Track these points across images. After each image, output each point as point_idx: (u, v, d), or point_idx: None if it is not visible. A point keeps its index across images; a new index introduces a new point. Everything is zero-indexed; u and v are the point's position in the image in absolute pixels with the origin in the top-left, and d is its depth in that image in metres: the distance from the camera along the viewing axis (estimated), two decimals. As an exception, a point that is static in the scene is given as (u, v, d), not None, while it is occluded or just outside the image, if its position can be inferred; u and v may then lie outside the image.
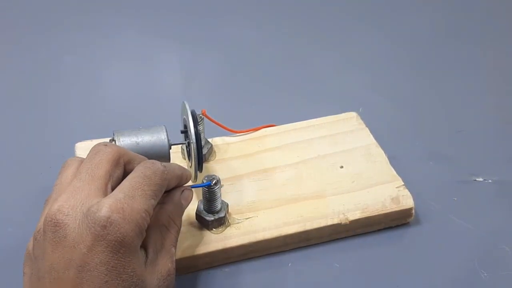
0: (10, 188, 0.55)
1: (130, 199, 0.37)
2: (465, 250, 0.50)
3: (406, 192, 0.52)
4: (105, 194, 0.38)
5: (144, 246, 0.39)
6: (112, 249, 0.35)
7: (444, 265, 0.48)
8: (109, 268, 0.35)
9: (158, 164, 0.41)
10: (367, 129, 0.58)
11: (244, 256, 0.48)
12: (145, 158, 0.44)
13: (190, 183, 0.52)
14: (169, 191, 0.44)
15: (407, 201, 0.51)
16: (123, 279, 0.36)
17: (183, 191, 0.45)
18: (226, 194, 0.51)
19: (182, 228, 0.48)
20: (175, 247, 0.42)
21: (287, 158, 0.55)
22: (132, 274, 0.36)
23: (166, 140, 0.47)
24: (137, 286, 0.36)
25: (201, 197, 0.48)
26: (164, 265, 0.40)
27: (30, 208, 0.47)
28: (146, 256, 0.39)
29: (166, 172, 0.41)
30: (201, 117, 0.52)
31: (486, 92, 0.70)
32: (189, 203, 0.45)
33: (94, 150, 0.41)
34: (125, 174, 0.41)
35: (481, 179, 0.57)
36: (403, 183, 0.52)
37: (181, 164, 0.54)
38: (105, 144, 0.41)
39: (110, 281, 0.35)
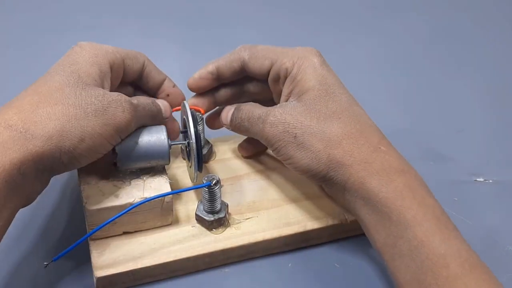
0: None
1: None
2: (465, 250, 0.49)
3: (406, 192, 0.51)
4: None
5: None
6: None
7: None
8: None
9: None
10: (367, 129, 0.58)
11: (244, 256, 0.48)
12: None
13: (190, 184, 0.52)
14: None
15: (407, 201, 0.51)
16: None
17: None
18: (226, 194, 0.51)
19: (183, 229, 0.48)
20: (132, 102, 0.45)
21: (287, 158, 0.55)
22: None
23: (166, 140, 0.47)
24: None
25: (201, 198, 0.48)
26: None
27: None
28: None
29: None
30: (201, 117, 0.52)
31: (486, 92, 0.70)
32: (163, 111, 0.49)
33: None
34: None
35: (481, 179, 0.57)
36: (403, 183, 0.52)
37: (181, 164, 0.54)
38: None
39: None
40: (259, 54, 0.50)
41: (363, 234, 0.51)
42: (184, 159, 0.54)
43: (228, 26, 0.80)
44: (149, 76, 0.51)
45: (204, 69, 0.52)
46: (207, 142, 0.55)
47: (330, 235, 0.50)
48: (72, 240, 0.43)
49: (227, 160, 0.55)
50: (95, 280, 0.44)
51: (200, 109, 0.52)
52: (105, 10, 0.81)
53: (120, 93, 0.44)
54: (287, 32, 0.79)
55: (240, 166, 0.55)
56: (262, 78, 0.50)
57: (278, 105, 0.47)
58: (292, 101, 0.47)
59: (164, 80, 0.52)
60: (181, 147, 0.54)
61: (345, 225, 0.50)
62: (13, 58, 0.72)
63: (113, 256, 0.45)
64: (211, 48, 0.75)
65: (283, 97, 0.48)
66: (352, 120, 0.45)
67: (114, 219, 0.44)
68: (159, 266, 0.46)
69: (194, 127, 0.47)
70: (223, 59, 0.51)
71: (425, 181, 0.44)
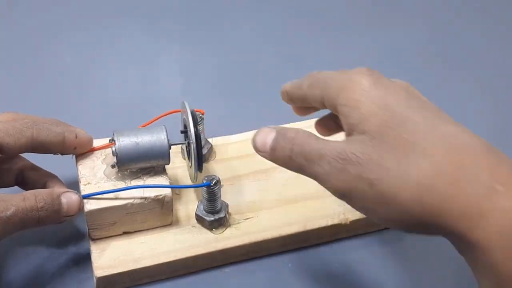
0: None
1: None
2: (465, 250, 0.49)
3: (406, 192, 0.51)
4: None
5: None
6: None
7: (446, 266, 0.48)
8: None
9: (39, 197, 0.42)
10: (367, 129, 0.58)
11: (244, 256, 0.48)
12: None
13: (190, 183, 0.52)
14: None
15: (407, 201, 0.51)
16: None
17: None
18: (226, 194, 0.51)
19: (183, 229, 0.48)
20: None
21: (287, 158, 0.55)
22: None
23: (166, 140, 0.47)
24: None
25: (201, 198, 0.48)
26: None
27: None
28: None
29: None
30: (201, 117, 0.52)
31: (485, 92, 0.70)
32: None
33: None
34: None
35: (481, 179, 0.57)
36: (403, 183, 0.52)
37: (181, 164, 0.54)
38: None
39: None
40: (315, 83, 0.42)
41: (364, 235, 0.51)
42: (184, 159, 0.54)
43: (228, 26, 0.80)
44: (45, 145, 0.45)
45: (284, 86, 0.46)
46: (207, 142, 0.55)
47: (330, 235, 0.50)
48: (72, 241, 0.43)
49: (227, 160, 0.55)
50: (95, 280, 0.45)
51: (200, 109, 0.52)
52: (105, 10, 0.81)
53: None
54: (287, 32, 0.79)
55: (240, 166, 0.54)
56: (322, 108, 0.42)
57: (343, 140, 0.37)
58: (356, 135, 0.36)
59: (63, 138, 0.46)
60: (181, 147, 0.54)
61: (345, 225, 0.50)
62: (13, 59, 0.72)
63: (113, 256, 0.45)
64: (211, 48, 0.75)
65: (345, 131, 0.38)
66: (442, 149, 0.33)
67: (107, 192, 0.45)
68: (159, 266, 0.46)
69: (194, 127, 0.47)
70: (293, 82, 0.45)
71: None
